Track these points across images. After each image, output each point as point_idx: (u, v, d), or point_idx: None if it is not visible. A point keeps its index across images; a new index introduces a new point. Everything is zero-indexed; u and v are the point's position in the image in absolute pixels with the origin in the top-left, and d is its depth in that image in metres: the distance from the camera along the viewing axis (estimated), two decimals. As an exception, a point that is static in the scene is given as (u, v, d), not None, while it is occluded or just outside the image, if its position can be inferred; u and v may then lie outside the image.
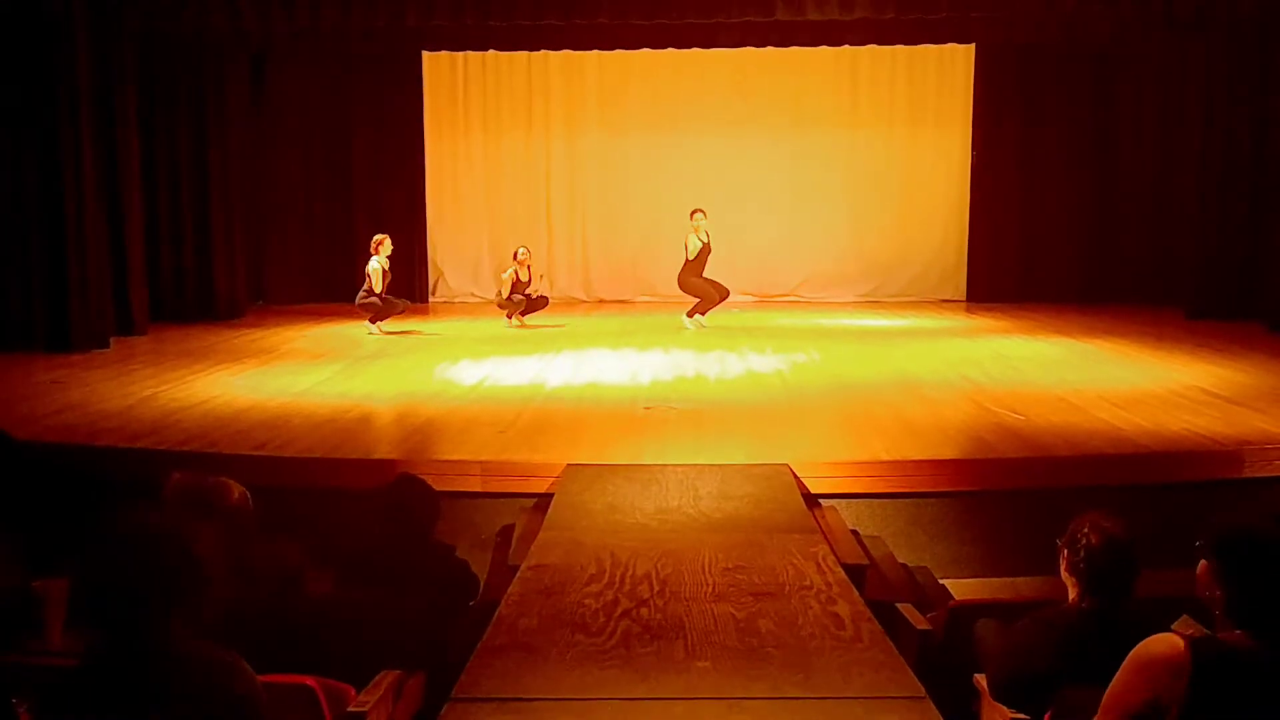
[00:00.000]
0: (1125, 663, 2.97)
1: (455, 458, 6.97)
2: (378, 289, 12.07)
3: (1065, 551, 3.72)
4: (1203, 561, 3.02)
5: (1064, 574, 3.76)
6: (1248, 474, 6.78)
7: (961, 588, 5.56)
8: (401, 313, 12.41)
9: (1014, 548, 6.31)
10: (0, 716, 3.15)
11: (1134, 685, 2.93)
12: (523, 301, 12.75)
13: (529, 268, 12.72)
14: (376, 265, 12.07)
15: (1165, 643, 2.93)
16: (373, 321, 12.19)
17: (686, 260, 12.40)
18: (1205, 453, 6.97)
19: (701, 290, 12.57)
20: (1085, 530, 3.69)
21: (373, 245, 12.15)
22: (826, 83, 15.48)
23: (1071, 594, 3.75)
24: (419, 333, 12.47)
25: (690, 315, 12.66)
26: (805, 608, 4.24)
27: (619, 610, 4.20)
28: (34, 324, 11.26)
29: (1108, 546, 3.64)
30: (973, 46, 14.93)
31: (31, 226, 11.22)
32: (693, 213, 12.34)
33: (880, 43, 14.39)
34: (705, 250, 12.36)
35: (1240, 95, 12.63)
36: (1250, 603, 2.92)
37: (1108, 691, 2.99)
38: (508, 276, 12.75)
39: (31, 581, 4.28)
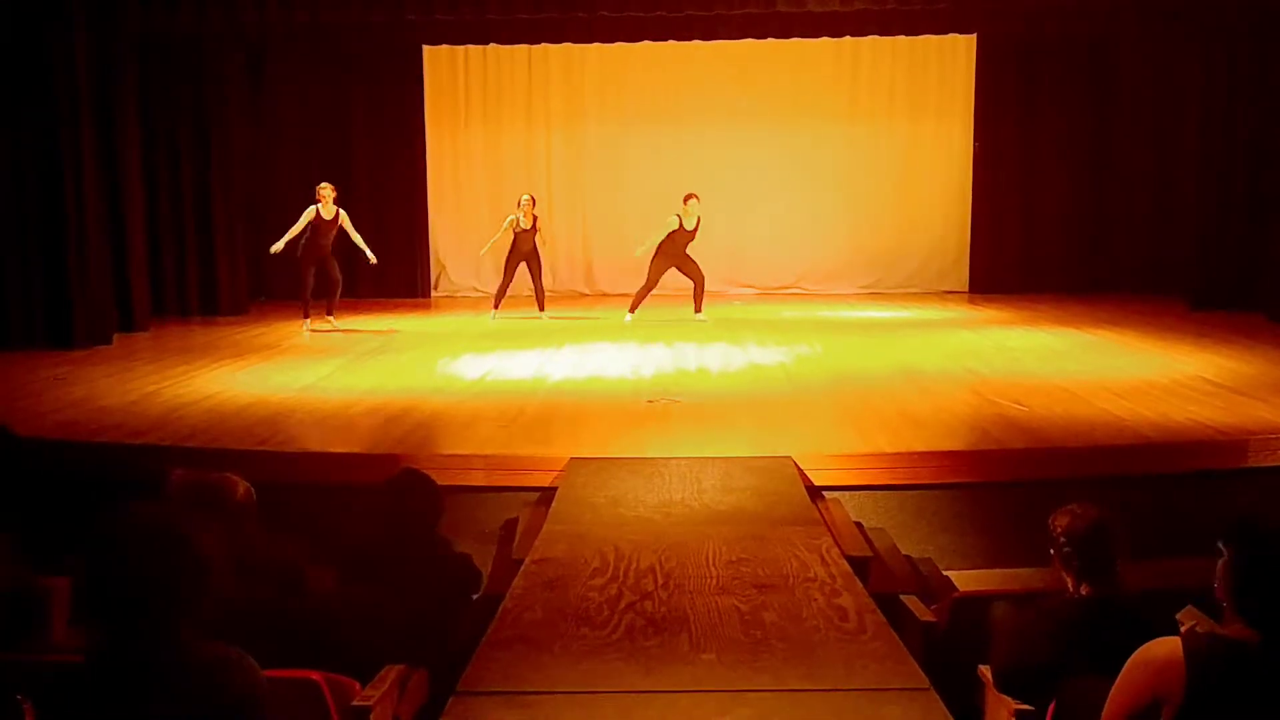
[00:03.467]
0: (1125, 667, 2.98)
1: (458, 452, 6.98)
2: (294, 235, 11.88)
3: (1052, 550, 3.80)
4: (1223, 556, 3.02)
5: (1060, 571, 3.81)
6: (1251, 464, 6.78)
7: (965, 579, 5.53)
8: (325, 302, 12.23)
9: (1018, 539, 6.29)
10: (4, 713, 3.15)
11: (1134, 689, 2.94)
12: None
13: (534, 217, 12.73)
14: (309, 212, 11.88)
15: (1164, 646, 2.94)
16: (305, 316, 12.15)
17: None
18: (1209, 443, 6.96)
19: (649, 277, 12.57)
20: (1059, 520, 3.80)
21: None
22: (827, 74, 15.46)
23: (1069, 586, 3.78)
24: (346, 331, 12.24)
25: (698, 310, 12.66)
26: (809, 600, 4.24)
27: (623, 603, 4.20)
28: (36, 321, 11.27)
29: (1082, 524, 3.73)
30: (974, 37, 14.90)
31: (33, 224, 11.22)
32: (686, 197, 12.38)
33: (881, 33, 14.39)
34: (677, 234, 12.34)
35: (1240, 84, 12.61)
36: (1257, 598, 2.91)
37: (1110, 696, 3.00)
38: (508, 224, 12.77)
39: (35, 578, 4.28)
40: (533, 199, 12.90)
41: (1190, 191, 13.57)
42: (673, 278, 12.70)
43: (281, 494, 5.11)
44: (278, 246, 11.92)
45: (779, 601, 4.21)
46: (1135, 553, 4.09)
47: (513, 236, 12.72)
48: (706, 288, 12.90)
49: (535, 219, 12.80)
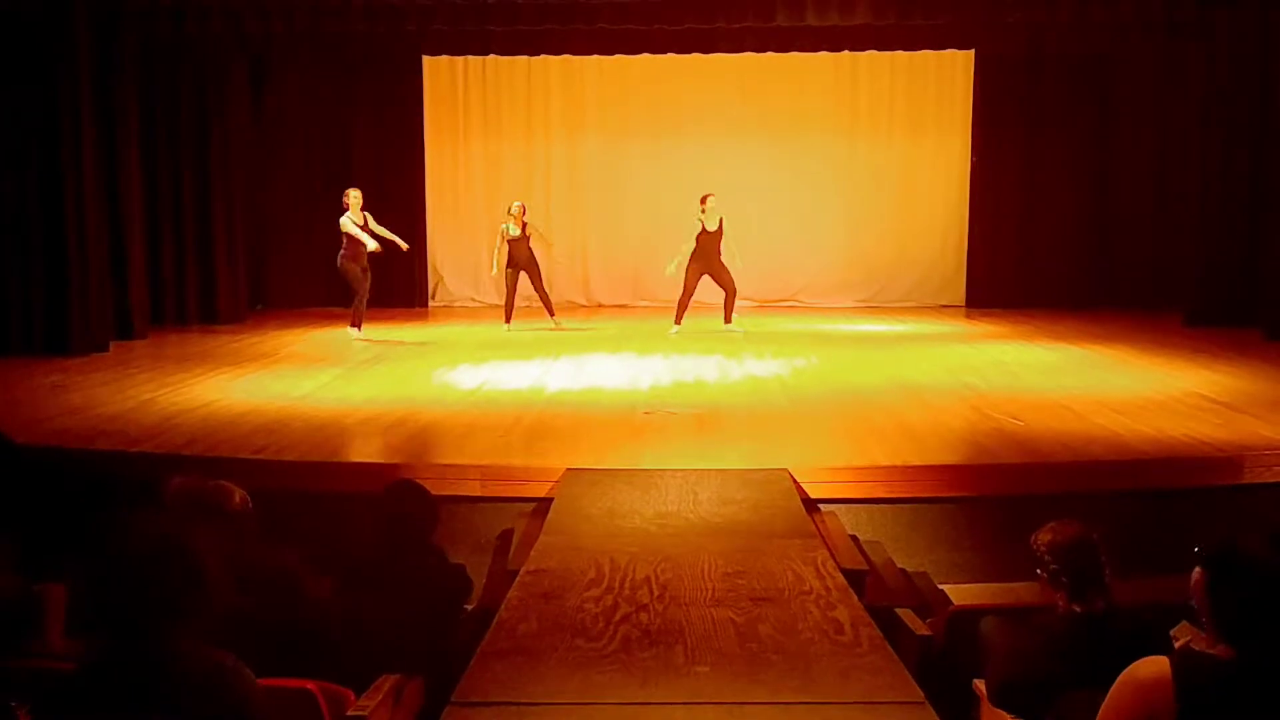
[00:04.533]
0: (1115, 685, 2.99)
1: (455, 462, 6.98)
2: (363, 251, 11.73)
3: (1039, 571, 3.81)
4: (1196, 570, 3.03)
5: (1051, 591, 3.82)
6: (1247, 480, 6.77)
7: (961, 593, 5.54)
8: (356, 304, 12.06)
9: (1013, 553, 6.28)
10: (0, 720, 3.15)
11: (1123, 707, 2.95)
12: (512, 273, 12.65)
13: (524, 224, 12.56)
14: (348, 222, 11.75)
15: (1153, 664, 2.94)
16: (355, 326, 12.01)
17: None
18: (1205, 459, 6.96)
19: (685, 285, 12.52)
20: (1041, 538, 3.83)
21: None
22: (826, 88, 15.50)
23: (1061, 604, 3.79)
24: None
25: (727, 320, 12.69)
26: (804, 613, 4.24)
27: (618, 615, 4.20)
28: (33, 327, 11.27)
29: (1064, 540, 3.77)
30: (972, 52, 14.94)
31: (32, 230, 11.23)
32: (703, 198, 12.41)
33: (880, 48, 14.42)
34: (702, 237, 12.32)
35: (1238, 102, 12.63)
36: (1233, 618, 2.92)
37: (1099, 716, 3.00)
38: (501, 234, 12.65)
39: (31, 585, 4.27)
40: (523, 207, 12.72)
41: (1188, 207, 13.59)
42: (671, 292, 12.68)
43: (278, 502, 5.11)
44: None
45: (774, 614, 4.21)
46: (1131, 568, 4.10)
47: (507, 247, 12.67)
48: (706, 301, 12.90)
49: (525, 226, 12.63)
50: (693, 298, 12.58)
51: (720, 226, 12.34)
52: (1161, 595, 4.13)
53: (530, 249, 12.68)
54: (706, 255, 12.36)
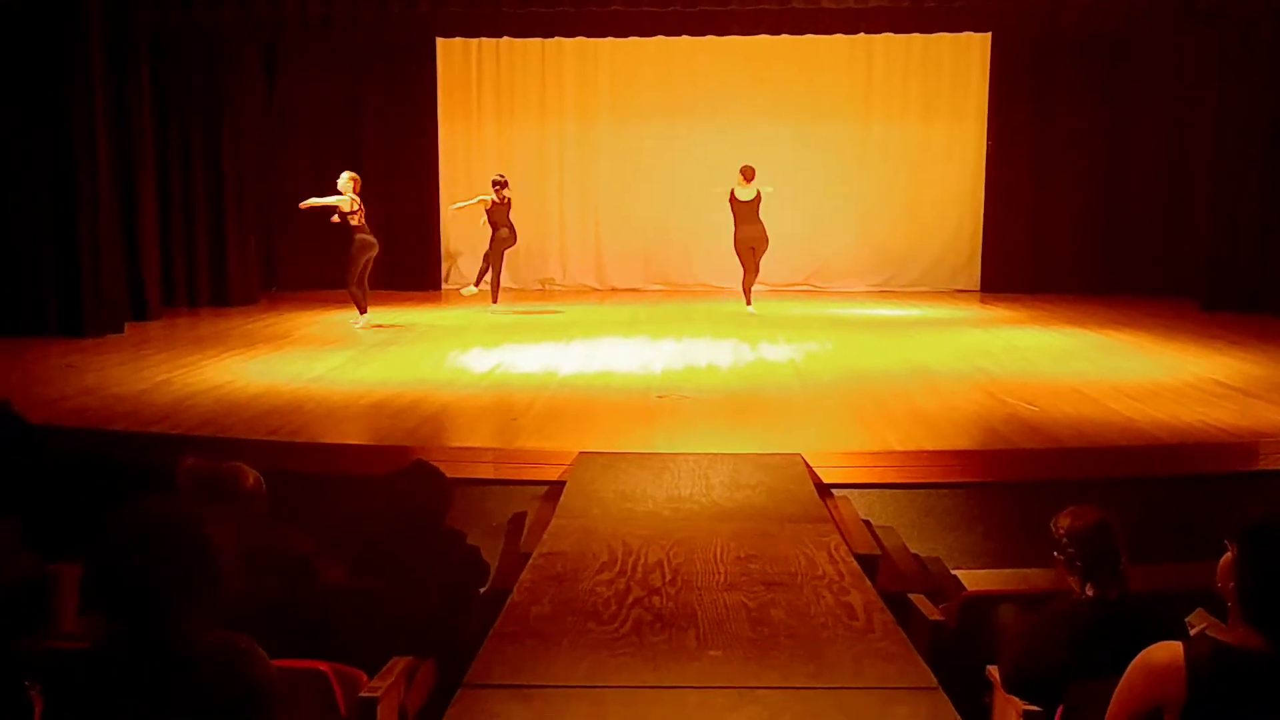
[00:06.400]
0: (1128, 671, 2.97)
1: (467, 445, 6.99)
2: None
3: (1056, 554, 3.79)
4: (1228, 551, 2.99)
5: (1066, 576, 3.81)
6: (1263, 466, 6.75)
7: (974, 579, 5.53)
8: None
9: (1027, 539, 6.27)
10: (13, 700, 3.16)
11: (1134, 693, 2.93)
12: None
13: (507, 200, 12.50)
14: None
15: (1166, 650, 2.92)
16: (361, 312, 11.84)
17: None
18: (1220, 445, 6.94)
19: (741, 262, 12.68)
20: (1060, 524, 3.81)
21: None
22: (841, 71, 15.44)
23: (1076, 589, 3.78)
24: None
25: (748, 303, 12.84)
26: (817, 597, 4.24)
27: (631, 598, 4.20)
28: (48, 309, 11.31)
29: (1083, 525, 3.75)
30: (988, 35, 14.87)
31: (46, 213, 11.25)
32: (741, 169, 12.56)
33: (895, 31, 14.34)
34: (733, 204, 12.45)
35: (1254, 86, 12.55)
36: (1265, 600, 2.89)
37: (1112, 700, 2.99)
38: (476, 202, 12.61)
39: (45, 566, 4.29)
40: (504, 181, 12.60)
41: (1203, 192, 13.52)
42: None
43: (291, 484, 5.11)
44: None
45: (787, 599, 4.21)
46: (1145, 555, 4.08)
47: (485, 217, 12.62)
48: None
49: (508, 200, 12.56)
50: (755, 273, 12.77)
51: (756, 200, 12.44)
52: (1175, 582, 4.12)
53: (511, 225, 12.63)
54: (739, 227, 12.51)
